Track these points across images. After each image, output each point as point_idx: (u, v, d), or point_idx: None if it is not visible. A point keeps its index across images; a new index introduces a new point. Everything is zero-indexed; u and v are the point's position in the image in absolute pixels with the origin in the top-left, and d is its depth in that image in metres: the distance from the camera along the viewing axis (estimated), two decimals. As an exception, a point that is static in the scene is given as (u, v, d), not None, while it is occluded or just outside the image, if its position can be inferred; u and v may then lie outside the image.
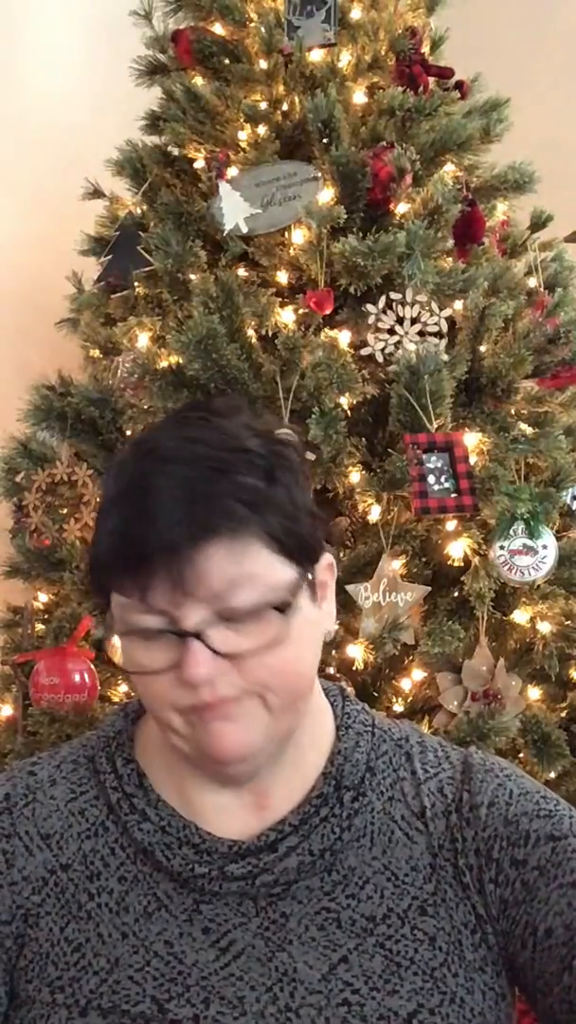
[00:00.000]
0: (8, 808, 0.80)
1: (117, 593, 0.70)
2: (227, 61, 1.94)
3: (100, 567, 0.71)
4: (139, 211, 2.00)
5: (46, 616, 1.90)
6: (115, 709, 0.87)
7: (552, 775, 1.63)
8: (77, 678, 1.70)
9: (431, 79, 1.92)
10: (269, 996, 0.71)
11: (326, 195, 1.78)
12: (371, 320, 1.72)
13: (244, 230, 1.81)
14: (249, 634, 0.69)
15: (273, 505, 0.69)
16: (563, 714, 1.72)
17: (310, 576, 0.74)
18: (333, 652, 1.63)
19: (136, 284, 1.93)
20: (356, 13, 1.95)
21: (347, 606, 1.64)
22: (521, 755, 1.63)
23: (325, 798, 0.78)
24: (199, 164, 1.96)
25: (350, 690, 0.91)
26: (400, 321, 1.72)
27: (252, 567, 0.69)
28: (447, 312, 1.74)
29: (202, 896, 0.75)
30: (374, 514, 1.69)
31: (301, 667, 0.74)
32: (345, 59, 1.92)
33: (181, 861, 0.75)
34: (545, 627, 1.69)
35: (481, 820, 0.77)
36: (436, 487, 1.61)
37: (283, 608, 0.70)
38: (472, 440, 1.69)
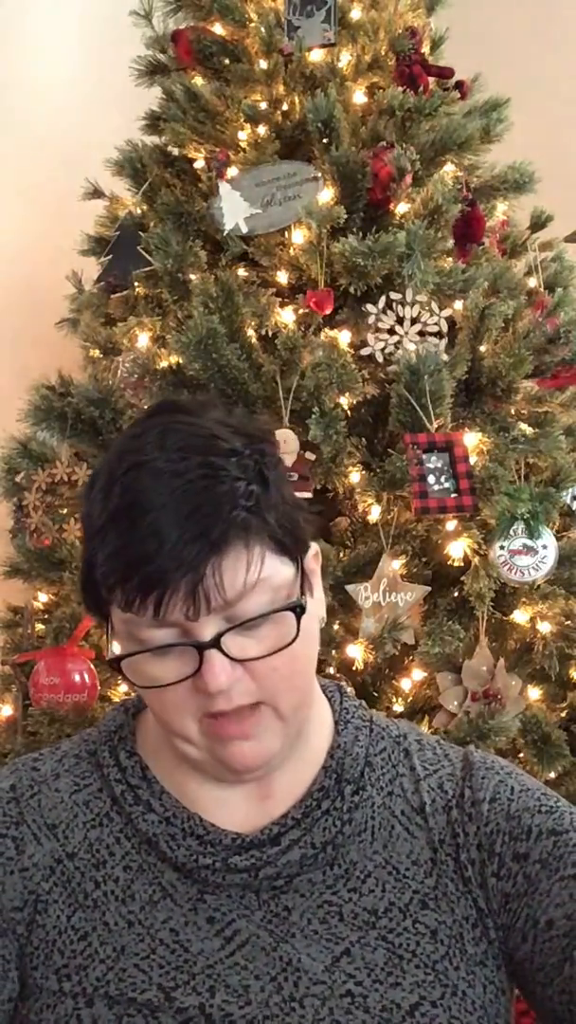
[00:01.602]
0: (15, 798, 0.80)
1: (124, 611, 0.70)
2: (227, 61, 1.94)
3: (103, 588, 0.70)
4: (139, 211, 2.00)
5: (46, 616, 1.90)
6: (115, 705, 0.88)
7: (552, 775, 1.63)
8: (77, 678, 1.70)
9: (431, 79, 1.92)
10: (274, 986, 0.72)
11: (326, 195, 1.78)
12: (371, 320, 1.72)
13: (244, 230, 1.81)
14: (262, 638, 0.71)
15: (270, 507, 0.70)
16: (563, 714, 1.73)
17: (303, 569, 0.75)
18: (333, 652, 1.63)
19: (136, 284, 1.93)
20: (356, 13, 1.95)
21: (347, 606, 1.64)
22: (521, 755, 1.63)
23: (326, 791, 0.79)
24: (199, 164, 1.96)
25: (350, 690, 0.91)
26: (400, 321, 1.72)
27: (261, 573, 0.69)
28: (447, 312, 1.74)
29: (205, 887, 0.76)
30: (374, 514, 1.69)
31: (308, 665, 0.76)
32: (345, 59, 1.92)
33: (185, 852, 0.76)
34: (545, 627, 1.69)
35: (483, 815, 0.78)
36: (436, 487, 1.61)
37: (297, 610, 0.71)
38: (472, 440, 1.69)
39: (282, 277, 1.83)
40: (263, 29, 1.84)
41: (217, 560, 0.67)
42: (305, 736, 0.79)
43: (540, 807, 0.78)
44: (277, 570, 0.71)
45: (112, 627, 0.73)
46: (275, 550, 0.71)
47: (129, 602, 0.68)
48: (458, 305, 1.78)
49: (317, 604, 0.78)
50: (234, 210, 1.81)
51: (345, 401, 1.69)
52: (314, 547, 0.78)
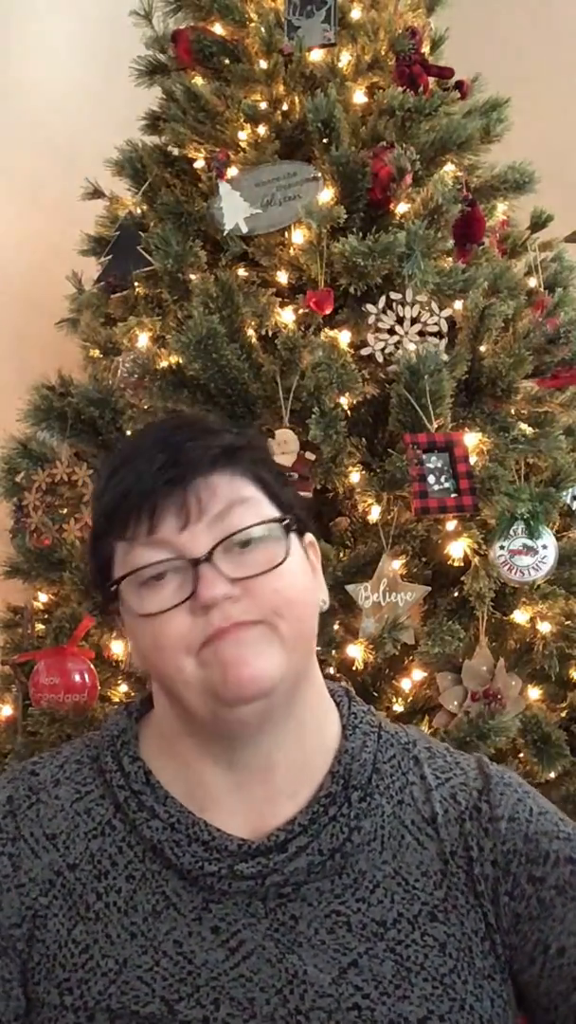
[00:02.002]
0: (11, 811, 0.79)
1: (123, 541, 0.75)
2: (227, 61, 1.94)
3: (104, 522, 0.76)
4: (139, 211, 2.00)
5: (46, 616, 1.90)
6: (117, 708, 0.87)
7: (552, 775, 1.63)
8: (77, 678, 1.70)
9: (431, 79, 1.92)
10: (279, 998, 0.71)
11: (326, 195, 1.78)
12: (371, 320, 1.72)
13: (244, 230, 1.81)
14: (255, 563, 0.74)
15: (253, 457, 0.78)
16: (563, 714, 1.72)
17: (300, 536, 0.80)
18: (333, 652, 1.63)
19: (136, 284, 1.93)
20: (356, 13, 1.95)
21: (347, 606, 1.64)
22: (521, 755, 1.63)
23: (333, 797, 0.78)
24: (199, 164, 1.96)
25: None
26: (400, 321, 1.72)
27: (247, 493, 0.76)
28: (447, 312, 1.74)
29: (211, 895, 0.75)
30: (374, 514, 1.69)
31: (307, 598, 0.78)
32: (345, 59, 1.92)
33: (191, 859, 0.75)
34: (545, 627, 1.69)
35: (501, 833, 0.78)
36: (436, 487, 1.60)
37: (284, 524, 0.76)
38: (472, 440, 1.69)
39: (282, 277, 1.83)
40: (263, 29, 1.84)
41: (203, 478, 0.74)
42: (304, 715, 0.79)
43: (559, 833, 0.78)
44: (265, 504, 0.77)
45: (120, 597, 0.77)
46: (264, 492, 0.77)
47: (124, 524, 0.75)
48: (458, 305, 1.78)
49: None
50: (234, 210, 1.80)
51: (345, 401, 1.69)
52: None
